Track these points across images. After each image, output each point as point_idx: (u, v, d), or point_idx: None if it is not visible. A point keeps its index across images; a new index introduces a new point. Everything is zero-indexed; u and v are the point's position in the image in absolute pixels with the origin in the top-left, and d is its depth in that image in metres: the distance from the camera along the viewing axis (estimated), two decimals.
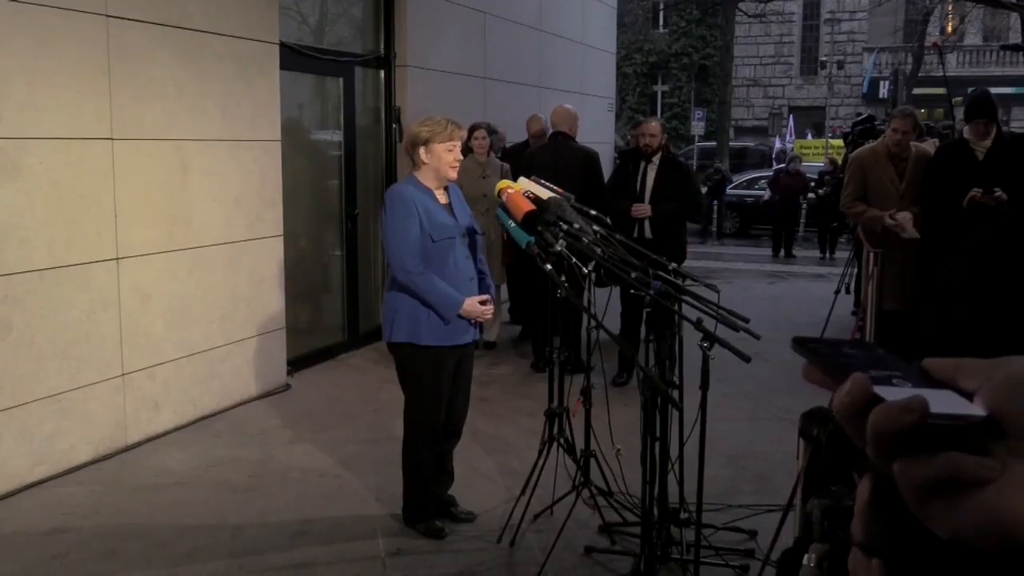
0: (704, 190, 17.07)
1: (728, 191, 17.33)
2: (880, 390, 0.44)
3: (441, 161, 3.79)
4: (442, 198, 3.91)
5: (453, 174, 3.82)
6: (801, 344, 0.51)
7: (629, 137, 12.13)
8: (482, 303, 3.84)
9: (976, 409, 0.42)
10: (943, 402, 0.42)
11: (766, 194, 15.64)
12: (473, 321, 3.85)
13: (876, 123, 8.26)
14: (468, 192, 6.82)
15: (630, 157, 6.43)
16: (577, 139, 6.75)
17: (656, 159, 6.15)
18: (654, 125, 6.24)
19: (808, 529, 1.38)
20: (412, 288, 3.73)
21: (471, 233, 3.94)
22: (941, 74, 10.10)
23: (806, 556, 1.37)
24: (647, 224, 6.09)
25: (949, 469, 0.41)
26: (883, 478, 0.44)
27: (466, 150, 7.03)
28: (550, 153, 6.53)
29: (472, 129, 7.02)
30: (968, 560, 0.41)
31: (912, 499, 0.42)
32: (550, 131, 6.88)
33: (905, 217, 5.56)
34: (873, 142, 6.43)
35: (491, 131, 7.36)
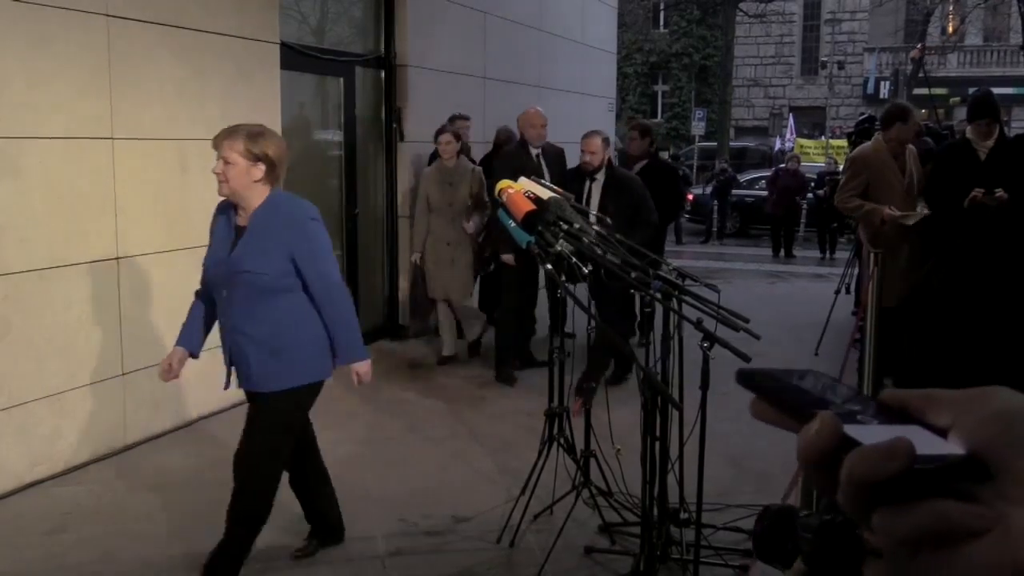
0: (709, 190, 17.09)
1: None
2: (850, 430, 0.39)
3: None
4: (242, 219, 3.28)
5: (219, 190, 3.24)
6: (747, 378, 0.45)
7: (617, 139, 12.11)
8: (171, 364, 3.40)
9: (953, 448, 0.38)
10: (918, 442, 0.37)
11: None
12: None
13: (876, 124, 8.24)
14: (434, 201, 6.55)
15: (575, 175, 5.97)
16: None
17: (600, 176, 5.80)
18: (594, 141, 5.74)
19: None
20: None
21: (244, 277, 3.22)
22: (942, 74, 10.15)
23: None
24: None
25: (935, 519, 0.36)
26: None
27: (433, 156, 6.92)
28: (512, 163, 5.91)
29: (438, 133, 6.66)
30: None
31: (896, 556, 0.37)
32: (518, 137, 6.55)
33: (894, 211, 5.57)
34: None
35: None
